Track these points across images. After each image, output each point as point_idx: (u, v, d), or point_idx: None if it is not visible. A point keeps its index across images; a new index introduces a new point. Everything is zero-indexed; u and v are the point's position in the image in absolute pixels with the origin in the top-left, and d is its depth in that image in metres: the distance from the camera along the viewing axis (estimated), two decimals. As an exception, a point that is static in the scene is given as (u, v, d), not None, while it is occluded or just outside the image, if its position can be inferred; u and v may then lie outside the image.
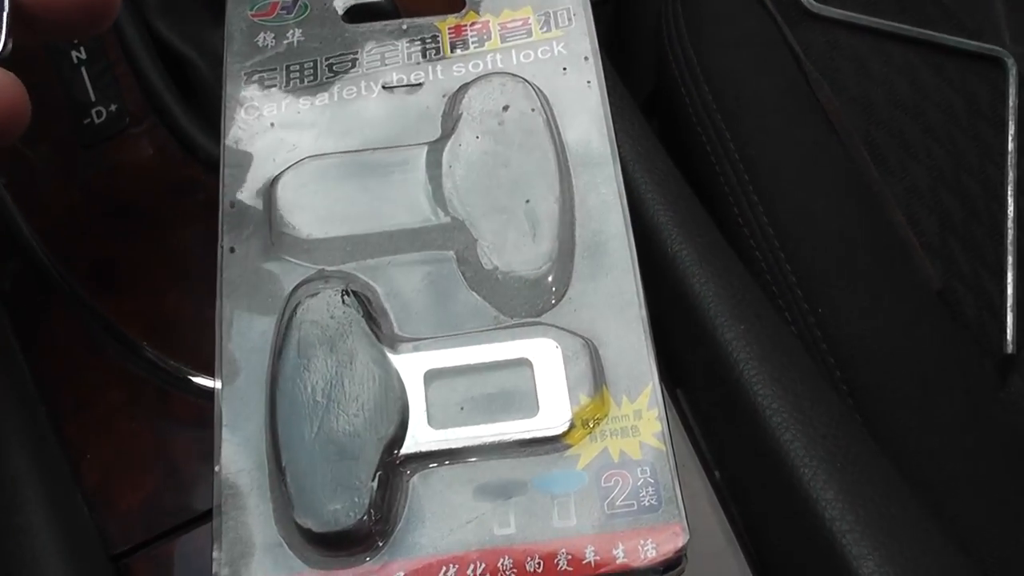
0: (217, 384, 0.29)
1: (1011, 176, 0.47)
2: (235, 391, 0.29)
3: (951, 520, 0.35)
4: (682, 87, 0.47)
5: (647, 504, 0.28)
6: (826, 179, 0.45)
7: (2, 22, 0.27)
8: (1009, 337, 0.45)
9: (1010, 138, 0.49)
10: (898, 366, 0.41)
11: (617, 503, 0.28)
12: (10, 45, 0.27)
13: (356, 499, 0.27)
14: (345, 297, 0.30)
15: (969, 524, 0.36)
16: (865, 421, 0.32)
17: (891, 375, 0.41)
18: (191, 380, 0.30)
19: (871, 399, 0.40)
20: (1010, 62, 0.50)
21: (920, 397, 0.41)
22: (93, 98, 0.35)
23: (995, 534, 0.37)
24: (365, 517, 0.27)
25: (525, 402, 0.29)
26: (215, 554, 0.27)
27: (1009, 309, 0.45)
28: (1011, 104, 0.49)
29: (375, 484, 0.27)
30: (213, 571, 0.27)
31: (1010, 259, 0.46)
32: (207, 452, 0.29)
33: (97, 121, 0.35)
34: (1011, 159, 0.48)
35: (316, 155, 0.32)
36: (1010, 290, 0.46)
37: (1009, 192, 0.47)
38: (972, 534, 0.35)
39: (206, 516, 0.29)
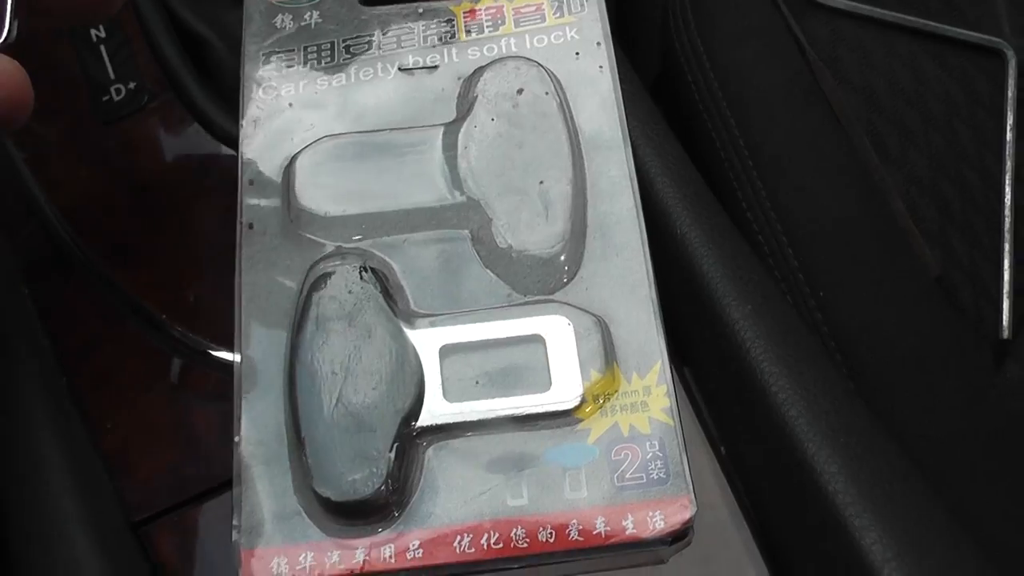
0: (236, 358, 0.30)
1: (1009, 165, 0.48)
2: (254, 364, 0.30)
3: (949, 502, 0.35)
4: (688, 75, 0.48)
5: (656, 477, 0.28)
6: (829, 167, 0.46)
7: (6, 7, 0.27)
8: (1005, 323, 0.46)
9: (1008, 128, 0.49)
10: (897, 350, 0.42)
11: (627, 476, 0.28)
12: (15, 31, 0.28)
13: (374, 469, 0.28)
14: (363, 273, 0.30)
15: (967, 506, 0.37)
16: (864, 403, 0.33)
17: (890, 359, 0.42)
18: (211, 354, 0.31)
19: (870, 382, 0.41)
20: (1010, 53, 0.50)
21: (918, 381, 0.42)
22: (112, 76, 0.35)
23: (994, 516, 0.38)
24: (382, 487, 0.28)
25: (538, 377, 0.29)
26: (234, 522, 0.28)
27: (1005, 296, 0.46)
28: (1010, 95, 0.50)
29: (392, 455, 0.28)
30: (232, 539, 0.28)
31: (1007, 247, 0.47)
32: (226, 424, 0.29)
33: (116, 99, 0.35)
34: (1009, 149, 0.49)
35: (333, 134, 0.33)
36: (1007, 277, 0.46)
37: (1007, 182, 0.48)
38: (970, 516, 0.36)
39: (226, 485, 0.29)
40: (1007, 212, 0.48)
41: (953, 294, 0.46)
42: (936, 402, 0.42)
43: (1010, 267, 0.47)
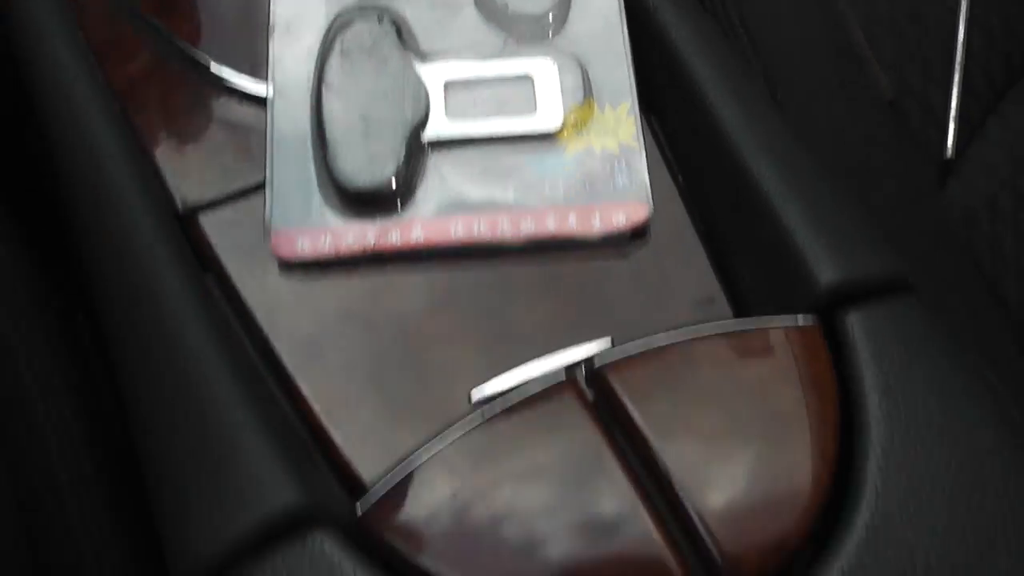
0: (270, 90, 0.35)
1: (964, 5, 0.53)
2: (286, 86, 0.35)
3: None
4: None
5: (621, 185, 0.34)
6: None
7: None
8: (950, 143, 0.51)
9: (966, -28, 0.54)
10: (846, 156, 0.48)
11: (596, 184, 0.34)
12: None
13: (386, 165, 0.33)
14: (380, 20, 0.35)
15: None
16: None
17: (838, 163, 0.47)
18: (247, 83, 0.36)
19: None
20: (971, -99, 0.55)
21: (863, 184, 0.48)
22: None
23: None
24: (392, 180, 0.33)
25: (526, 105, 0.35)
26: (266, 212, 0.34)
27: (952, 120, 0.52)
28: (969, -59, 0.55)
29: (403, 153, 0.33)
30: (264, 226, 0.34)
31: (957, 77, 0.52)
32: (262, 137, 0.35)
33: None
34: (965, -9, 0.54)
35: None
36: (954, 103, 0.52)
37: (961, 20, 0.53)
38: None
39: (260, 186, 0.34)
40: (959, 47, 0.53)
41: (904, 117, 0.51)
42: (879, 205, 0.47)
43: (958, 95, 0.52)
